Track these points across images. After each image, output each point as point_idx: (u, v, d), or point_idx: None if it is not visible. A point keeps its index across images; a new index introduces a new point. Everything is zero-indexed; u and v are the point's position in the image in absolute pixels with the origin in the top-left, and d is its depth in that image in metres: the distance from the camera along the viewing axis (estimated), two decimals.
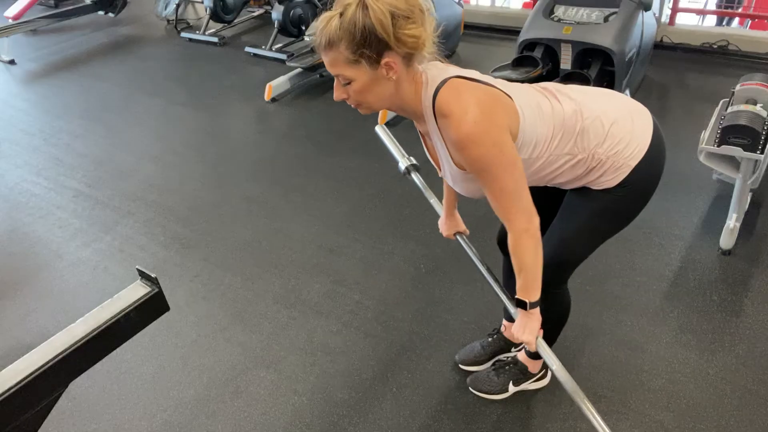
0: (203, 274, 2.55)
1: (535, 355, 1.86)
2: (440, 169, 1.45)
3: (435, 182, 1.70)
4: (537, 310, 1.39)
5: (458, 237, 1.73)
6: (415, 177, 1.77)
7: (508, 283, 1.89)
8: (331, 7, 1.17)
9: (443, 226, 1.77)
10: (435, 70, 1.26)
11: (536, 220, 1.29)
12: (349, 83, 1.21)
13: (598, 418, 1.26)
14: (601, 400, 1.87)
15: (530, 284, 1.36)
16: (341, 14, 1.13)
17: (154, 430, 1.90)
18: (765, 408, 1.82)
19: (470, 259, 1.64)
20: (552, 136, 1.33)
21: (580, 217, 1.48)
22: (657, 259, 2.43)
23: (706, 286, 2.28)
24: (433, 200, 1.76)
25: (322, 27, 1.16)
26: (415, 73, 1.24)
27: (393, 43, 1.14)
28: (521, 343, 1.99)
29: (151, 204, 3.07)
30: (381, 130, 1.91)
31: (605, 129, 1.35)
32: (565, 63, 3.38)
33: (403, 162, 1.78)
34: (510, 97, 1.27)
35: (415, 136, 1.49)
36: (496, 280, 1.56)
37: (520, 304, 1.39)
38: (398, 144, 1.85)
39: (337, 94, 1.26)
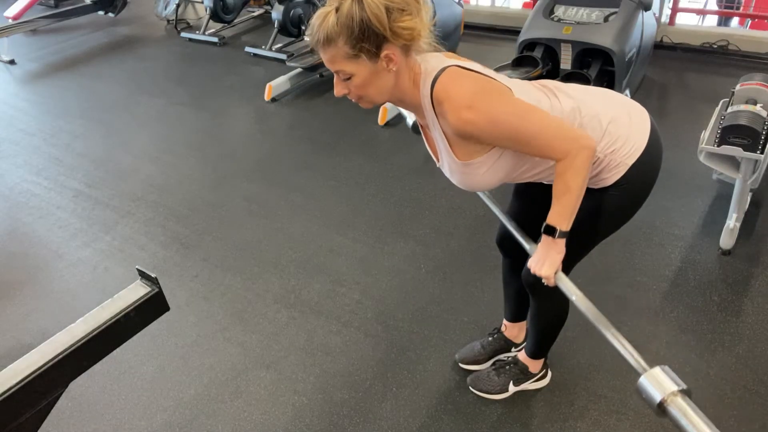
0: (203, 274, 2.55)
1: (535, 355, 1.86)
2: (438, 160, 1.45)
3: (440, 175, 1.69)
4: (563, 241, 1.31)
5: None
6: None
7: (509, 282, 1.90)
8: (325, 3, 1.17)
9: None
10: (435, 61, 1.26)
11: (590, 137, 1.24)
12: (349, 78, 1.20)
13: (628, 346, 1.17)
14: (601, 400, 1.87)
15: (570, 210, 1.27)
16: (337, 9, 1.13)
17: (154, 430, 1.90)
18: (765, 408, 1.82)
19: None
20: None
21: (578, 217, 1.49)
22: (657, 259, 2.43)
23: (706, 286, 2.28)
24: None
25: (318, 23, 1.15)
26: (413, 63, 1.24)
27: (389, 36, 1.14)
28: (521, 343, 2.00)
29: (151, 204, 3.07)
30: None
31: (603, 127, 1.35)
32: (565, 63, 3.38)
33: (410, 118, 1.73)
34: (510, 89, 1.28)
35: (415, 135, 1.49)
36: (505, 216, 1.52)
37: (548, 231, 1.30)
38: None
39: (338, 89, 1.25)
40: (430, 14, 1.21)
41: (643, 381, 1.05)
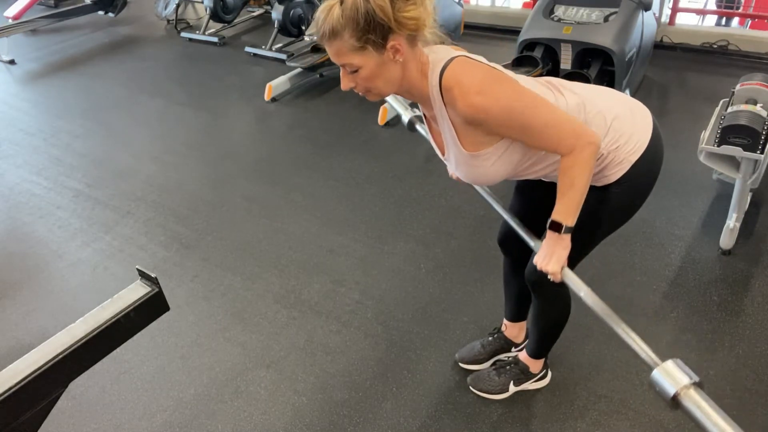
0: (203, 274, 2.55)
1: (536, 355, 1.86)
2: (443, 154, 1.45)
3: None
4: (569, 237, 1.31)
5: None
6: (420, 128, 1.71)
7: (510, 281, 1.90)
8: None
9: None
10: (443, 51, 1.26)
11: (596, 133, 1.25)
12: (356, 71, 1.20)
13: (638, 341, 1.13)
14: (601, 400, 1.87)
15: (575, 205, 1.28)
16: (342, 2, 1.13)
17: (154, 430, 1.90)
18: (765, 408, 1.82)
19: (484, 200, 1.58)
20: None
21: (580, 215, 1.49)
22: (657, 259, 2.43)
23: (706, 286, 2.28)
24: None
25: (324, 17, 1.15)
26: (420, 54, 1.24)
27: (395, 26, 1.14)
28: (522, 343, 2.00)
29: (151, 204, 3.07)
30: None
31: (607, 123, 1.35)
32: (565, 63, 3.38)
33: (406, 115, 1.73)
34: (517, 81, 1.28)
35: (417, 135, 1.49)
36: (508, 213, 1.52)
37: (553, 227, 1.30)
38: (403, 102, 1.78)
39: (345, 83, 1.24)
40: (434, 3, 1.21)
41: (656, 375, 1.05)
